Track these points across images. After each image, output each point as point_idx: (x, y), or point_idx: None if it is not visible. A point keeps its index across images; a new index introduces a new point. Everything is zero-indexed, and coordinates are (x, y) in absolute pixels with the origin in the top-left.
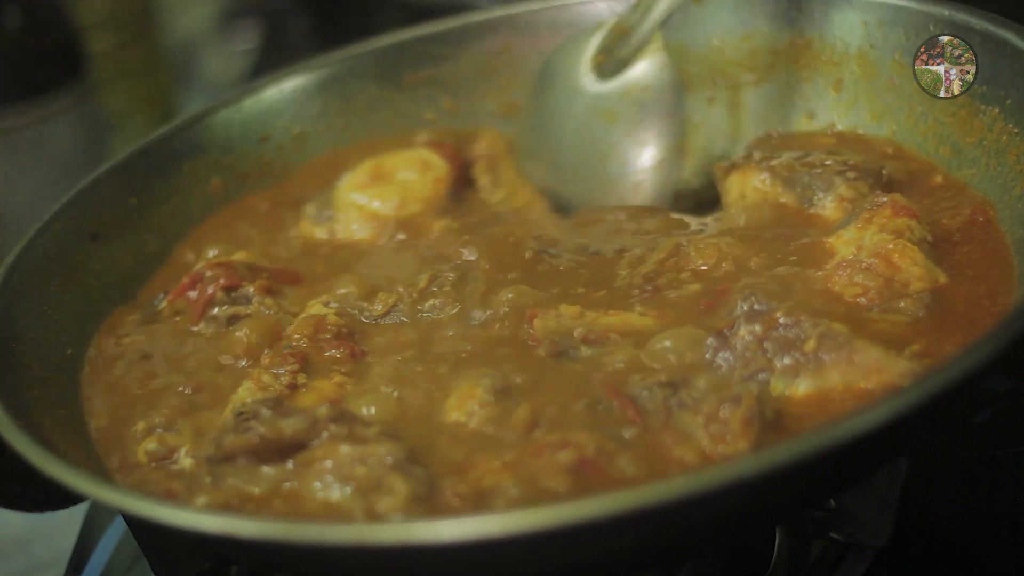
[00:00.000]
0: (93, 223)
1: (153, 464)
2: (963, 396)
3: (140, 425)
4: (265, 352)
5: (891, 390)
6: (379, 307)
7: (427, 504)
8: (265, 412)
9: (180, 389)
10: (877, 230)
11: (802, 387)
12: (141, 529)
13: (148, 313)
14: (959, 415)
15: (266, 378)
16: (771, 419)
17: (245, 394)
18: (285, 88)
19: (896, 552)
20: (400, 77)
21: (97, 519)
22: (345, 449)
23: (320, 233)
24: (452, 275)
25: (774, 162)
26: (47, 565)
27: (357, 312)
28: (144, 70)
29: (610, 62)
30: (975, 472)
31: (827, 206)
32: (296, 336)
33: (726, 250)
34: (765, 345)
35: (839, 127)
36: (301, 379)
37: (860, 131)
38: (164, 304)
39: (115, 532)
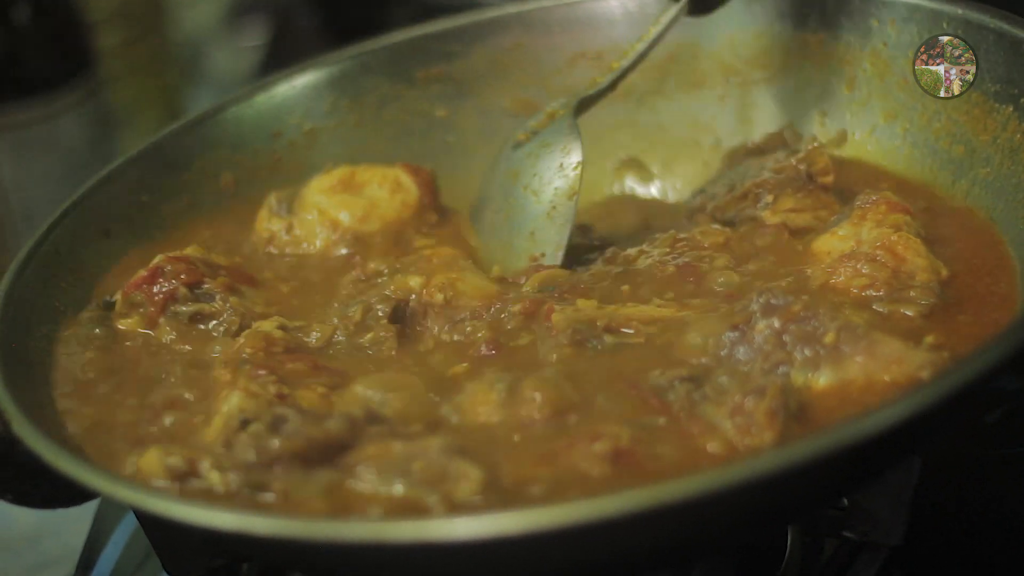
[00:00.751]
0: (106, 219)
1: (175, 483)
2: (980, 394)
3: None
4: (221, 365)
5: (912, 381)
6: (315, 336)
7: (497, 489)
8: (296, 416)
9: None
10: (875, 225)
11: (823, 379)
12: (152, 526)
13: (101, 311)
14: (971, 414)
15: (253, 387)
16: (795, 411)
17: (241, 403)
18: (296, 84)
19: (908, 551)
20: (412, 73)
21: (107, 516)
22: (398, 445)
23: (275, 225)
24: (384, 307)
25: (710, 206)
26: (56, 562)
27: (297, 336)
28: (152, 66)
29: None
30: (986, 471)
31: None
32: (248, 351)
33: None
34: (784, 338)
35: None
36: (284, 389)
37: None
38: (117, 298)
39: (125, 529)
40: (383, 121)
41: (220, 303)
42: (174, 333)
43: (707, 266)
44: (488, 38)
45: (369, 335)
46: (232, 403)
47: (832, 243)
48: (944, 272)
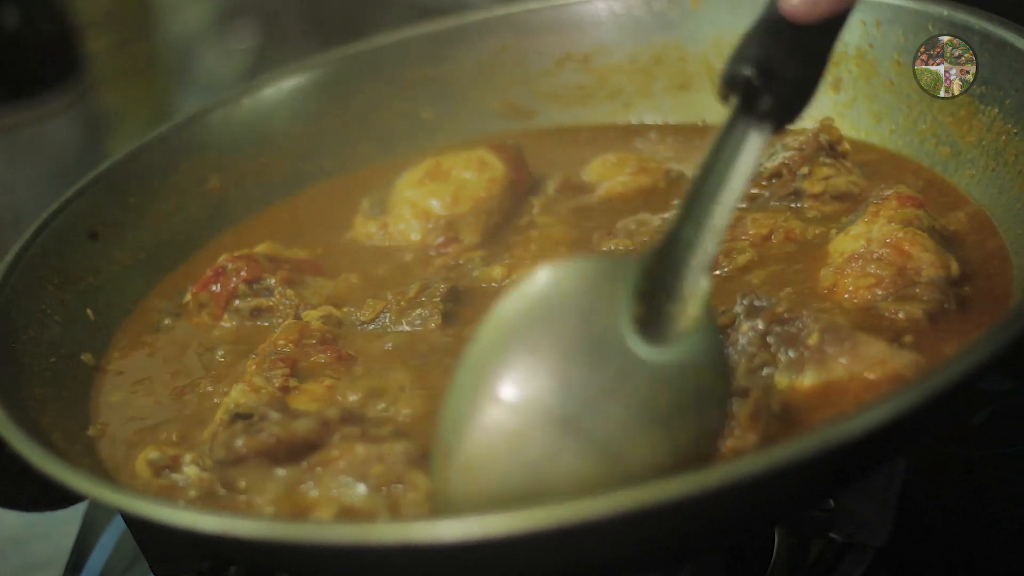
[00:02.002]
0: (92, 222)
1: (156, 476)
2: (963, 396)
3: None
4: (251, 357)
5: (897, 380)
6: (367, 313)
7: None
8: (274, 414)
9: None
10: (885, 221)
11: (807, 380)
12: (140, 529)
13: (174, 308)
14: (958, 415)
15: (258, 380)
16: (778, 412)
17: (239, 396)
18: (284, 87)
19: (895, 552)
20: (399, 76)
21: (96, 519)
22: (360, 449)
23: (372, 227)
24: (443, 287)
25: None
26: (44, 564)
27: (346, 316)
28: (142, 69)
29: (653, 316)
30: (973, 472)
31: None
32: (281, 343)
33: (781, 224)
34: (768, 340)
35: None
36: (292, 382)
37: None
38: (188, 298)
39: (114, 532)
40: (370, 124)
41: (277, 296)
42: (235, 327)
43: (726, 261)
44: (474, 41)
45: (417, 311)
46: (230, 397)
47: (846, 243)
48: (955, 267)
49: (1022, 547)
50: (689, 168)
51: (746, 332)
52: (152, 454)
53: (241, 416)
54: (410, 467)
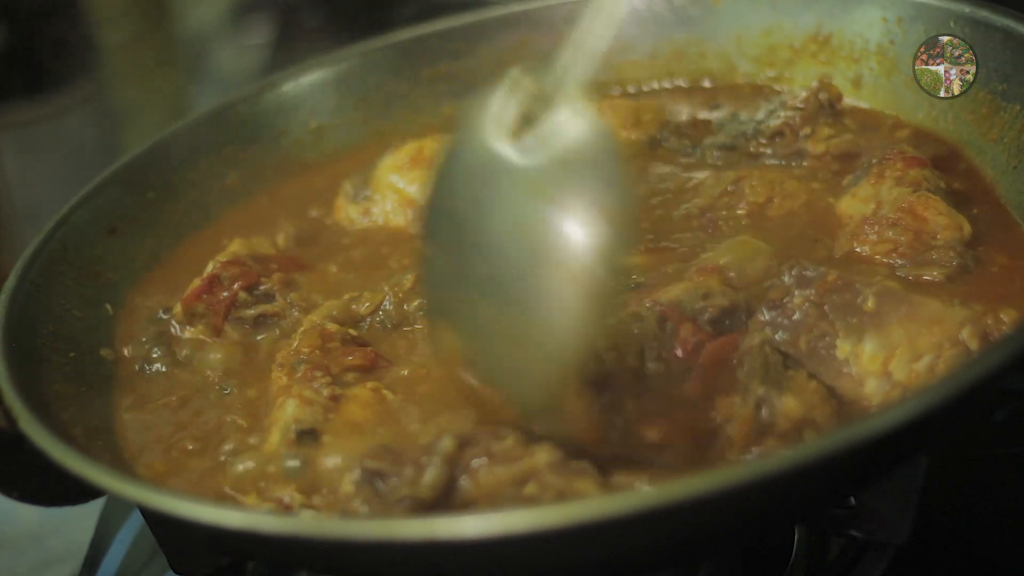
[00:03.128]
0: (111, 217)
1: None
2: (986, 394)
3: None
4: (276, 368)
5: (954, 340)
6: (365, 306)
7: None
8: (394, 477)
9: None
10: (894, 184)
11: (868, 347)
12: (159, 524)
13: (157, 323)
14: (978, 414)
15: (307, 393)
16: (781, 429)
17: (296, 412)
18: (303, 82)
19: (915, 550)
20: (418, 72)
21: (113, 515)
22: (501, 471)
23: (355, 212)
24: None
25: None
26: (61, 559)
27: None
28: (157, 64)
29: (533, 130)
30: (993, 470)
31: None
32: (305, 350)
33: (779, 187)
34: (825, 309)
35: None
36: (336, 390)
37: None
38: (177, 310)
39: (131, 528)
40: (389, 119)
41: (281, 301)
42: (239, 337)
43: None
44: (494, 36)
45: (416, 302)
46: (287, 413)
47: (854, 206)
48: (967, 228)
49: None
50: (688, 115)
51: (800, 304)
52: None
53: (305, 433)
54: (566, 476)
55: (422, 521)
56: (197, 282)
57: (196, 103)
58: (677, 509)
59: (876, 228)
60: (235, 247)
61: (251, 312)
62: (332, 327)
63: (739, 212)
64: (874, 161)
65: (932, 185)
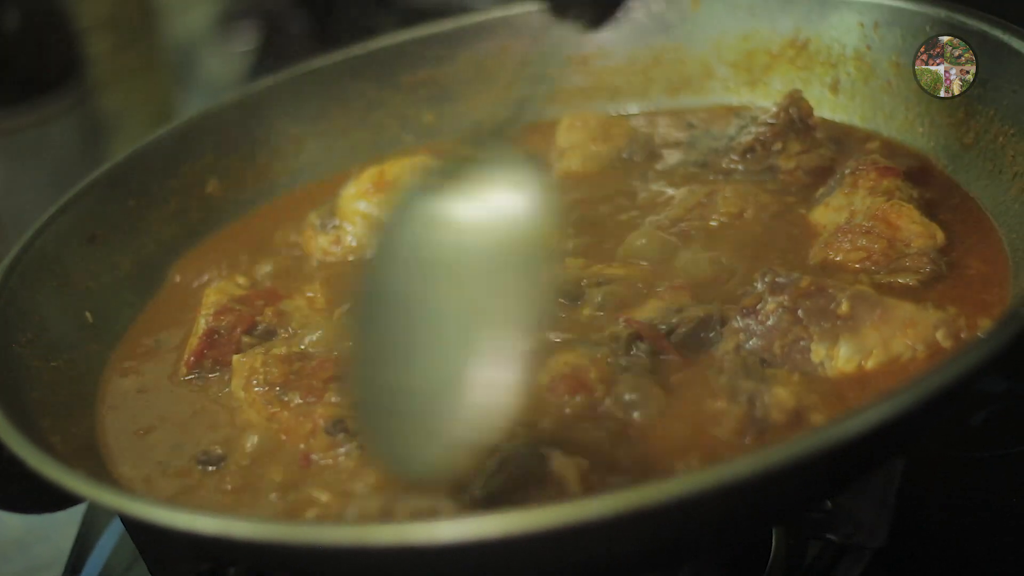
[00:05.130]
0: (91, 225)
1: None
2: (961, 396)
3: None
4: (266, 406)
5: (929, 343)
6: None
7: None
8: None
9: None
10: (867, 193)
11: (843, 350)
12: (138, 531)
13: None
14: (955, 416)
15: (330, 411)
16: (773, 421)
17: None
18: (283, 89)
19: (893, 552)
20: (398, 79)
21: (95, 521)
22: None
23: (325, 242)
24: None
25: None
26: (46, 567)
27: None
28: (143, 71)
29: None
30: (972, 473)
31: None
32: (279, 381)
33: (752, 199)
34: (799, 314)
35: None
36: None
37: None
38: (182, 372)
39: (113, 534)
40: (370, 126)
41: (283, 335)
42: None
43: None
44: (474, 43)
45: None
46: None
47: (828, 215)
48: (940, 236)
49: (1021, 548)
50: (659, 131)
51: (774, 310)
52: None
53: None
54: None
55: (394, 527)
56: (195, 341)
57: (183, 111)
58: (651, 512)
59: (849, 236)
60: (213, 297)
61: (260, 352)
62: (279, 350)
63: (711, 224)
64: (847, 172)
65: (905, 195)
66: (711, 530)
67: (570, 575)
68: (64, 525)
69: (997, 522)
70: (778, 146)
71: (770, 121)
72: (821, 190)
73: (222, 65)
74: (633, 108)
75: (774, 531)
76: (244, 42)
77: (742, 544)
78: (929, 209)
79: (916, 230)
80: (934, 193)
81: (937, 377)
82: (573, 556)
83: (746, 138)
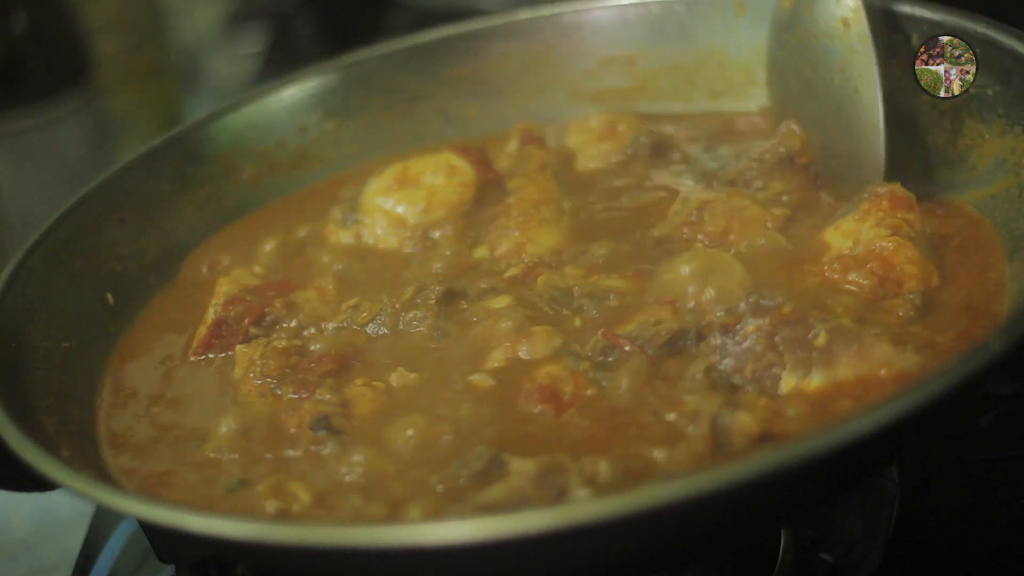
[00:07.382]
0: (123, 208)
1: None
2: (965, 398)
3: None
4: (258, 396)
5: (904, 379)
6: (364, 315)
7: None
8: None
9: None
10: (875, 223)
11: (815, 381)
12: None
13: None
14: (962, 418)
15: (321, 408)
16: (735, 445)
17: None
18: (328, 79)
19: (901, 552)
20: (441, 73)
21: (104, 522)
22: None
23: (347, 237)
24: (439, 288)
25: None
26: (53, 567)
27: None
28: (151, 73)
29: None
30: (978, 475)
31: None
32: (275, 373)
33: (738, 215)
34: (775, 340)
35: None
36: (342, 395)
37: None
38: (190, 357)
39: (122, 534)
40: (413, 119)
41: (294, 325)
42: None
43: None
44: (519, 40)
45: (412, 313)
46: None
47: (836, 238)
48: (935, 278)
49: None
50: (672, 129)
51: (752, 332)
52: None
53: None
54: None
55: (385, 528)
56: (203, 330)
57: (190, 112)
58: (656, 513)
59: (843, 268)
60: (225, 287)
61: (261, 343)
62: (280, 344)
63: (697, 244)
64: (864, 196)
65: (914, 229)
66: (713, 532)
67: None
68: (71, 526)
69: (1005, 523)
70: (759, 184)
71: (757, 158)
72: (842, 209)
73: (230, 66)
74: (677, 108)
75: (782, 534)
76: (252, 44)
77: (742, 546)
78: (941, 242)
79: (911, 271)
80: (950, 228)
81: (940, 380)
82: (577, 558)
83: (729, 173)
